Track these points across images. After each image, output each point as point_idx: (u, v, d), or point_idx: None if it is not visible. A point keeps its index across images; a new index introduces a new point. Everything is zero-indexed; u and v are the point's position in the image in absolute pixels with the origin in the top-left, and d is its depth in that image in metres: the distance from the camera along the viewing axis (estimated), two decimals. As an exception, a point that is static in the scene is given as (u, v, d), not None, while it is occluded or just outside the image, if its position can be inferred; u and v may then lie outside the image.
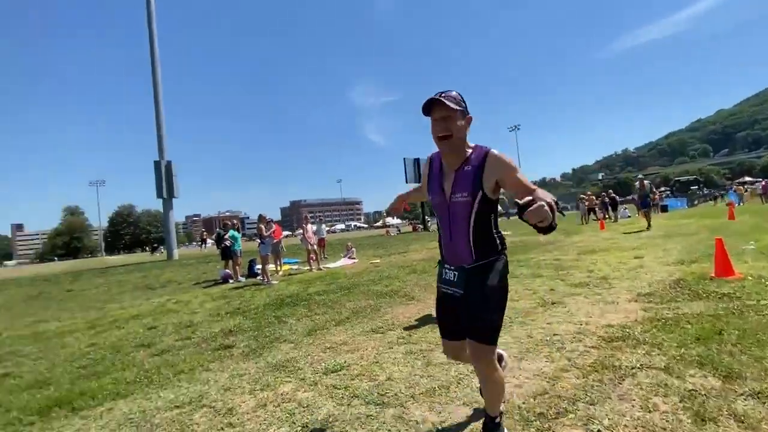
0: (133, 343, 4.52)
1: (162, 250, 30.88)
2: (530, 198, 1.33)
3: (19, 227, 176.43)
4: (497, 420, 1.81)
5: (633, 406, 2.06)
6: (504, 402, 1.91)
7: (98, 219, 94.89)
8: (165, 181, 23.02)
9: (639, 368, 2.48)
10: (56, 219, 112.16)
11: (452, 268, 1.76)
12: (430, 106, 1.66)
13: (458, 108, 1.66)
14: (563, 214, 1.52)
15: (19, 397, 3.09)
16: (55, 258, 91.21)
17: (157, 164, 23.19)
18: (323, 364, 3.17)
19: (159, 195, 23.29)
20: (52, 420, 2.64)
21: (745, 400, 2.01)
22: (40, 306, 8.44)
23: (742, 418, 1.86)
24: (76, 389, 3.09)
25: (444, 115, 1.64)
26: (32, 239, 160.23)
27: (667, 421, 1.91)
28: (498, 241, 1.74)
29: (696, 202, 34.22)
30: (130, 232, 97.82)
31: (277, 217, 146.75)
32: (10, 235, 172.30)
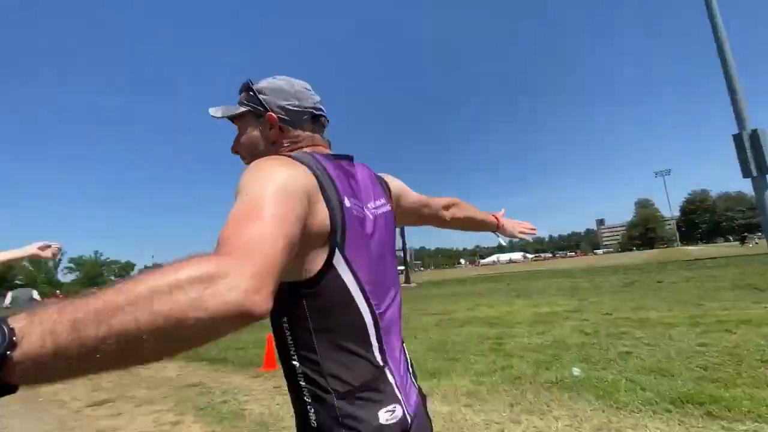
0: (754, 354, 3.79)
1: (756, 241, 25.33)
2: None
3: (600, 221, 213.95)
4: None
5: None
6: None
7: (668, 209, 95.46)
8: (752, 154, 18.83)
9: None
10: (630, 212, 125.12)
11: None
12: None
13: (243, 108, 0.87)
14: None
15: (647, 379, 3.41)
16: (633, 248, 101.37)
17: (737, 137, 19.51)
18: None
19: (746, 174, 19.36)
20: (688, 415, 2.65)
21: None
22: (635, 293, 9.40)
23: None
24: (706, 391, 2.95)
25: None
26: (612, 231, 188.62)
27: None
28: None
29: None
30: (706, 220, 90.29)
31: None
32: (596, 229, 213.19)
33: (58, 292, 23.94)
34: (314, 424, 0.70)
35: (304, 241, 0.62)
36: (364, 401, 0.71)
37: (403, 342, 0.88)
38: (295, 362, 0.73)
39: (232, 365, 5.89)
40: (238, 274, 0.44)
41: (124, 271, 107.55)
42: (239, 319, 0.43)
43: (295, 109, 0.86)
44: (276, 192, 0.59)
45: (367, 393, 0.72)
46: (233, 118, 0.90)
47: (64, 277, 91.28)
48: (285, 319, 0.73)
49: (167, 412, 3.88)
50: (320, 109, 0.90)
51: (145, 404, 4.26)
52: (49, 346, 0.36)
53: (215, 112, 0.90)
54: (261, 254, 0.48)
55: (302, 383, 0.72)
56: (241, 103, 0.88)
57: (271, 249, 0.50)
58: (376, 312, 0.76)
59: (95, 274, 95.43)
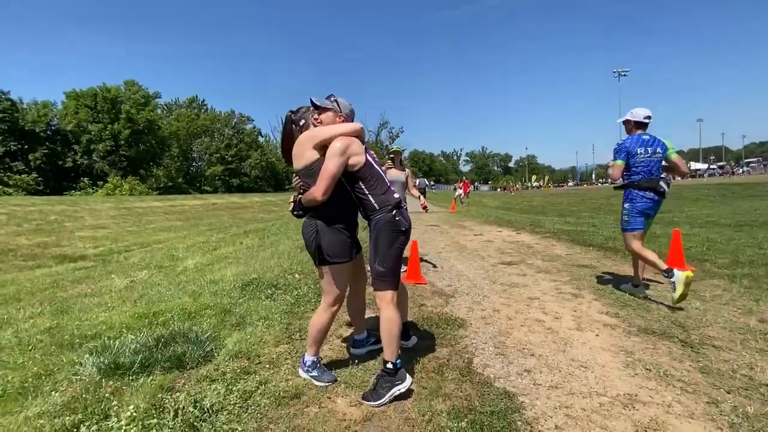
0: None
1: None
2: None
3: None
4: None
5: None
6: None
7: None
8: None
9: None
10: None
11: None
12: None
13: (329, 105, 2.29)
14: None
15: None
16: None
17: None
18: None
19: None
20: None
21: None
22: None
23: None
24: None
25: None
26: None
27: None
28: None
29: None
30: None
31: None
32: None
33: (464, 178, 31.34)
34: (376, 206, 2.16)
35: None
36: (388, 196, 2.19)
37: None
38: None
39: (623, 255, 5.56)
40: None
41: (503, 162, 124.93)
42: None
43: (350, 114, 2.31)
44: None
45: (389, 196, 2.20)
46: (320, 108, 2.25)
47: (464, 167, 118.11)
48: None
49: (565, 284, 4.23)
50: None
51: (543, 272, 4.85)
52: None
53: (317, 100, 2.24)
54: None
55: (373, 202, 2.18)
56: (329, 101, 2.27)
57: None
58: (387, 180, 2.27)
59: (483, 164, 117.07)
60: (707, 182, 34.02)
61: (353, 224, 2.31)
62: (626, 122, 3.64)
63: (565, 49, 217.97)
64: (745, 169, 53.03)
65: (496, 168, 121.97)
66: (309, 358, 2.30)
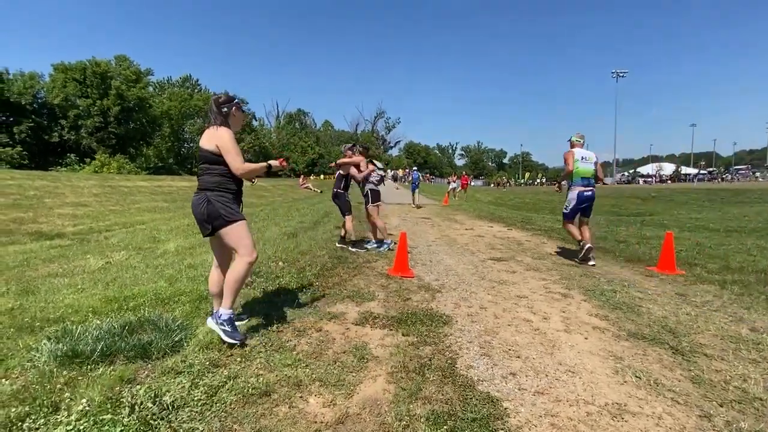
0: None
1: None
2: None
3: None
4: None
5: None
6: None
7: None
8: None
9: None
10: None
11: None
12: None
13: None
14: None
15: None
16: None
17: None
18: None
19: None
20: None
21: None
22: None
23: None
24: None
25: None
26: None
27: None
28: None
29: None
30: None
31: None
32: None
33: (464, 173, 31.12)
34: None
35: None
36: None
37: None
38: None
39: (612, 256, 5.50)
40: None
41: (498, 158, 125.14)
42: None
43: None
44: None
45: None
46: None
47: (458, 161, 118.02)
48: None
49: (554, 283, 4.14)
50: None
51: (532, 270, 4.76)
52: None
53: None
54: None
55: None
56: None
57: None
58: None
59: (477, 159, 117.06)
60: (697, 187, 34.38)
61: None
62: None
63: (565, 47, 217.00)
64: (732, 176, 53.89)
65: (490, 163, 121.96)
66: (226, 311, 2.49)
